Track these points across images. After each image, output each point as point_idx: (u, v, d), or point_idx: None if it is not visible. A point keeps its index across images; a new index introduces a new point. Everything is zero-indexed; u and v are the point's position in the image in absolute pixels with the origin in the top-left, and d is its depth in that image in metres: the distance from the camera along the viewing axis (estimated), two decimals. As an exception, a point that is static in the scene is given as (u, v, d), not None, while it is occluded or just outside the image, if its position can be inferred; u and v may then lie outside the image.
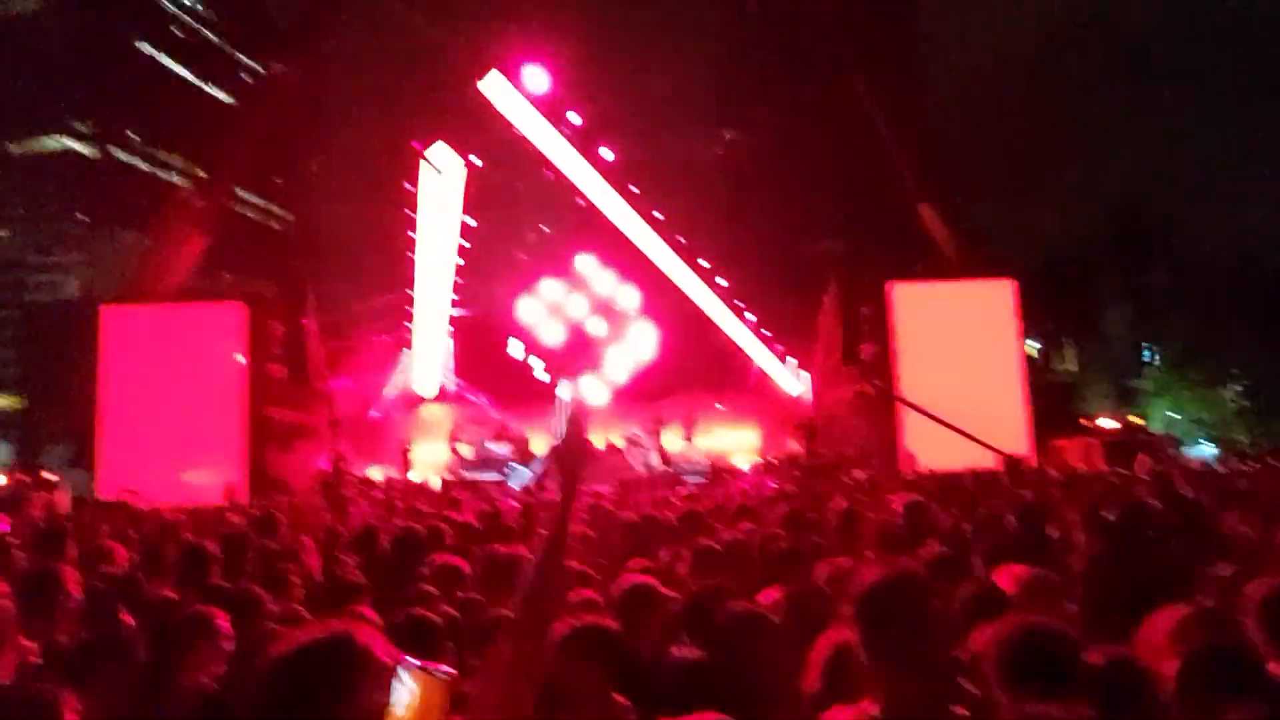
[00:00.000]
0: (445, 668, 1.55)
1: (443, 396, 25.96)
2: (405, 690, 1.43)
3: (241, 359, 20.94)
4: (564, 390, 23.88)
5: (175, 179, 47.78)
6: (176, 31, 61.77)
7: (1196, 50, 40.81)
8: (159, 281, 21.89)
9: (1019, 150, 39.58)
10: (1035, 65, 41.87)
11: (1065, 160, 40.04)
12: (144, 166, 60.14)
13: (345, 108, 26.35)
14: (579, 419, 1.94)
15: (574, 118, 22.07)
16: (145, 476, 17.22)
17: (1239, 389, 31.96)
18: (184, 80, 60.21)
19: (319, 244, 25.00)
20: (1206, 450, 29.83)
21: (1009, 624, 2.38)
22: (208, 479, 18.77)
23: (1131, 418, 28.27)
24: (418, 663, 1.51)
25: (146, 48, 60.28)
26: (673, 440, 23.52)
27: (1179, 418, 32.19)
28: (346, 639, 1.44)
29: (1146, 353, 34.11)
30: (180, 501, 13.39)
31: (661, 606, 3.24)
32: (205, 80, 56.91)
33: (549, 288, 24.37)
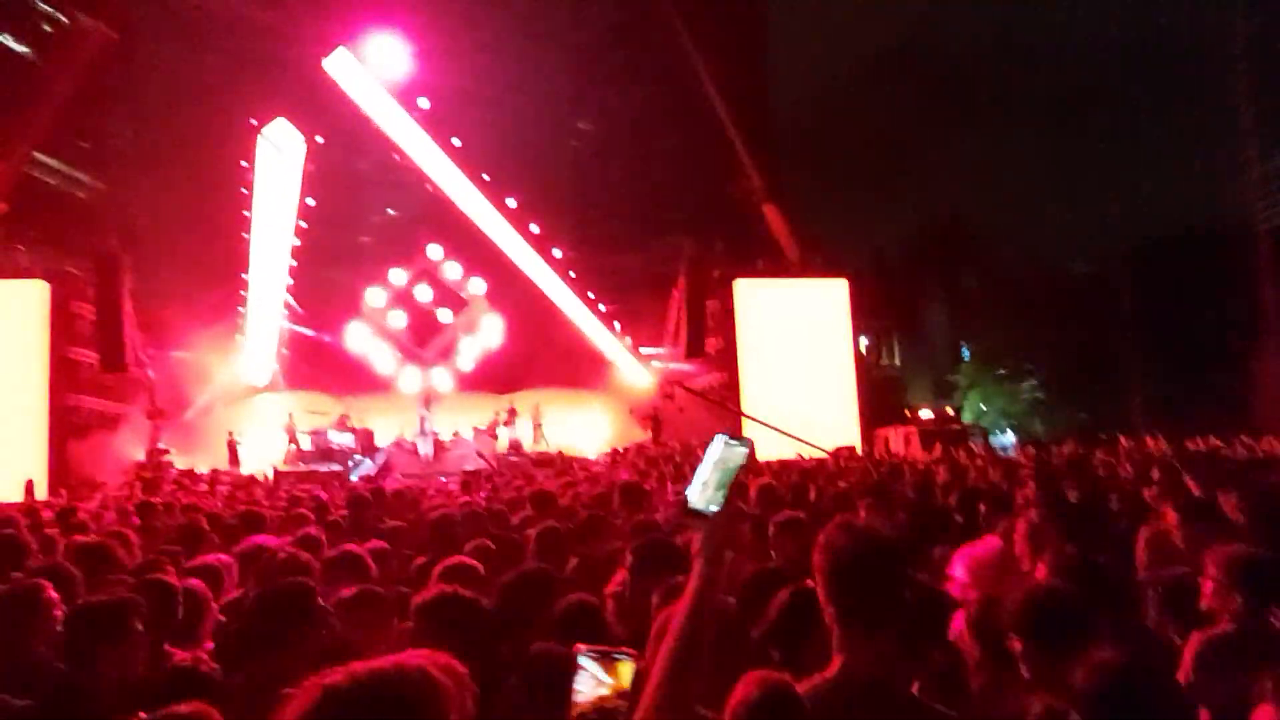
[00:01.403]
0: (625, 649, 1.53)
1: (274, 385, 24.56)
2: (588, 677, 1.44)
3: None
4: (409, 380, 23.20)
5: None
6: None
7: (1011, 76, 44.79)
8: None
9: (856, 158, 42.08)
10: (872, 79, 44.63)
11: (895, 169, 42.95)
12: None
13: (169, 71, 24.23)
14: (742, 480, 1.74)
15: (423, 103, 21.43)
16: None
17: (1035, 383, 35.56)
18: (-31, 26, 53.63)
19: (136, 219, 22.90)
20: (1009, 439, 32.97)
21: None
22: (3, 474, 16.96)
23: (948, 409, 30.76)
24: (596, 649, 1.50)
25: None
26: (523, 431, 23.39)
27: (986, 409, 35.48)
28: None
29: (965, 351, 37.21)
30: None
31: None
32: (-4, 28, 50.93)
33: (396, 275, 23.56)
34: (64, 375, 20.25)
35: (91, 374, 21.10)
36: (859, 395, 24.26)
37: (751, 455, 1.74)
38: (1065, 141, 43.61)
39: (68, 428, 20.14)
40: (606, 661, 1.47)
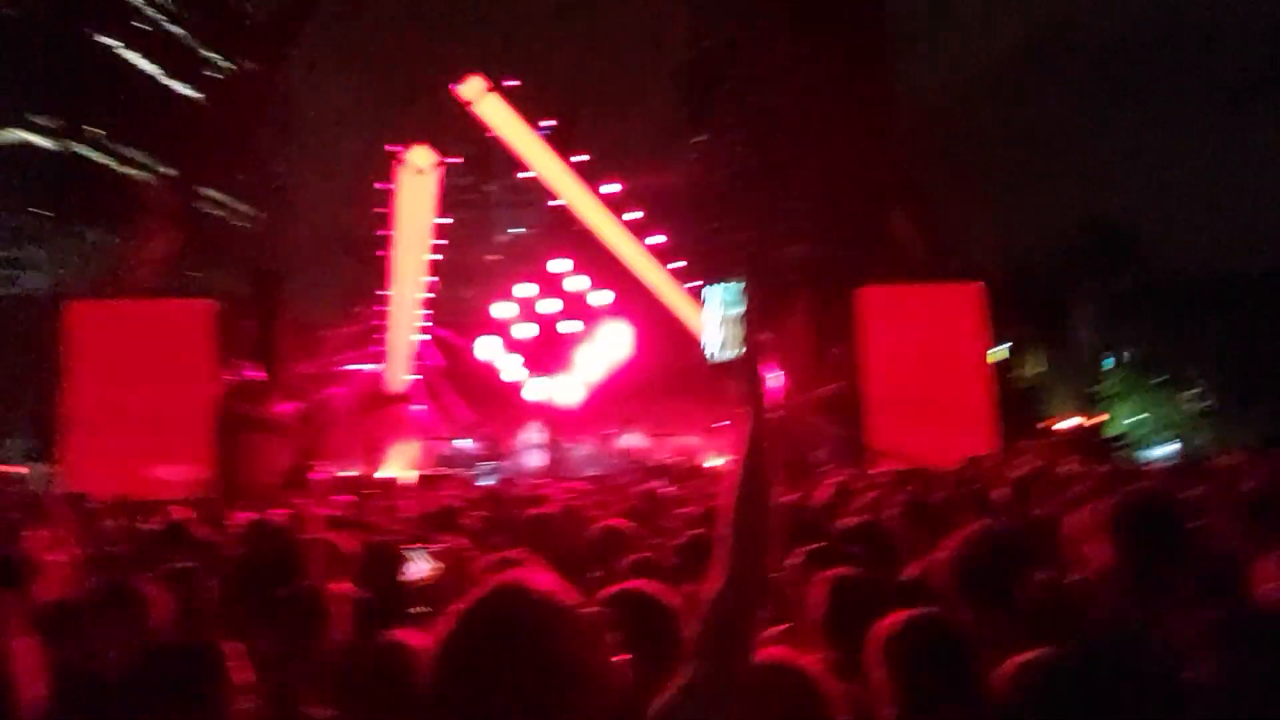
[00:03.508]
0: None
1: (412, 395, 25.92)
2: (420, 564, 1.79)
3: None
4: (535, 390, 23.98)
5: (140, 175, 47.13)
6: (141, 25, 60.94)
7: (1164, 61, 42.00)
8: (128, 278, 21.66)
9: (989, 156, 40.41)
10: (1006, 72, 42.78)
11: (1034, 167, 40.96)
12: (108, 162, 59.20)
13: (317, 106, 26.20)
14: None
15: (547, 123, 22.26)
16: (110, 473, 17.02)
17: (1199, 391, 32.90)
18: (149, 76, 59.40)
19: (290, 242, 24.85)
20: (1169, 450, 30.63)
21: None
22: (174, 476, 18.58)
23: (1092, 420, 28.93)
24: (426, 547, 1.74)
25: (109, 41, 59.39)
26: (640, 439, 23.73)
27: (1141, 420, 33.06)
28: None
29: (1110, 359, 34.92)
30: (148, 497, 13.26)
31: None
32: (171, 76, 56.18)
33: (523, 289, 24.47)
34: (230, 386, 22.08)
35: (254, 385, 22.90)
36: (994, 406, 23.16)
37: (748, 287, 1.70)
38: (1228, 131, 40.47)
39: (233, 433, 21.91)
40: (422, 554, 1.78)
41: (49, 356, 21.80)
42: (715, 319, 1.71)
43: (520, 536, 5.64)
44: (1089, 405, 32.79)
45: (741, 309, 1.67)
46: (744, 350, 1.65)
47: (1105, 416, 31.23)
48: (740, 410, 1.61)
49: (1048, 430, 25.34)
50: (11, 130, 60.62)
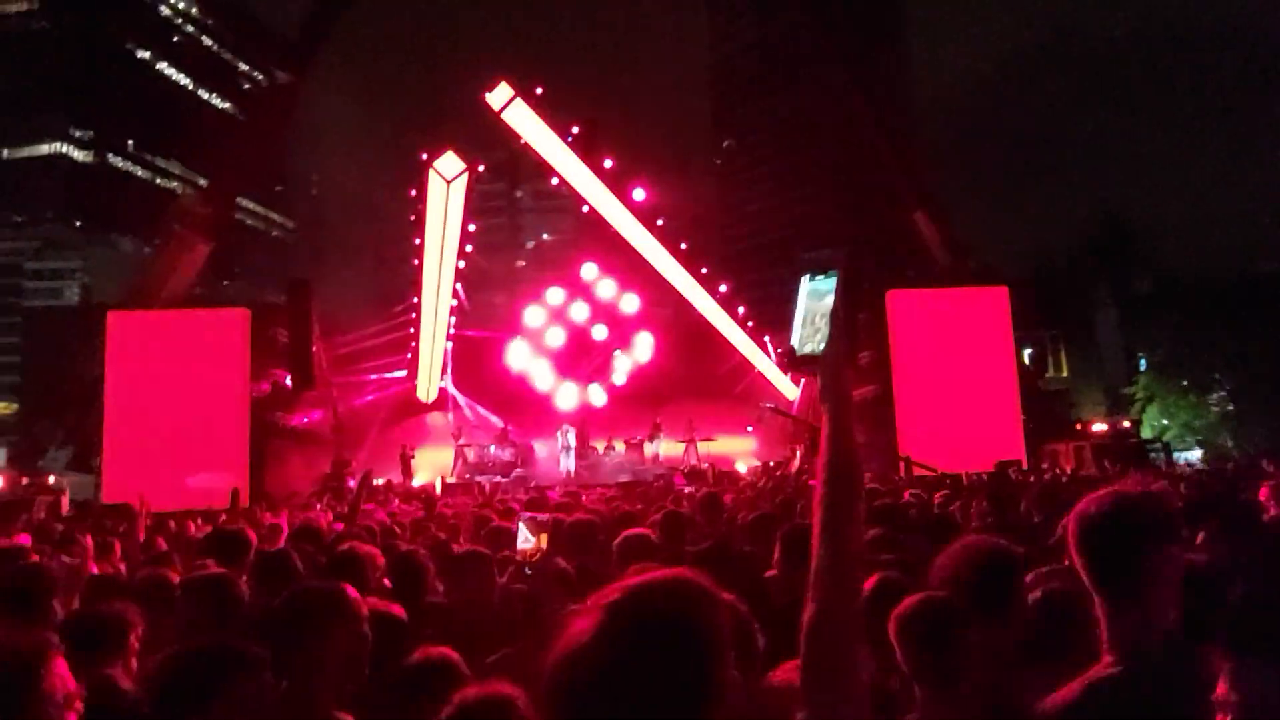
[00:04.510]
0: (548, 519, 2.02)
1: (442, 402, 26.19)
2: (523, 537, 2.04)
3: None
4: (566, 396, 24.13)
5: (174, 186, 47.85)
6: (175, 39, 61.93)
7: (1181, 62, 41.56)
8: (163, 288, 22.05)
9: (1010, 159, 40.22)
10: (1024, 74, 42.61)
11: (1055, 168, 40.71)
12: (141, 173, 60.15)
13: (347, 116, 26.53)
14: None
15: (575, 129, 22.39)
16: (150, 481, 17.35)
17: (1224, 394, 32.45)
18: (183, 87, 60.30)
19: (321, 250, 25.17)
20: (1194, 455, 30.29)
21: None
22: (211, 484, 18.89)
23: (1124, 423, 28.67)
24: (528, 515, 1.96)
25: (145, 54, 60.39)
26: (670, 446, 23.77)
27: (1168, 423, 32.69)
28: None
29: (1143, 361, 34.51)
30: (185, 506, 13.51)
31: None
32: (205, 88, 56.99)
33: (553, 294, 24.63)
34: (263, 394, 22.42)
35: (286, 392, 23.23)
36: (1022, 408, 23.06)
37: (840, 280, 1.64)
38: (1251, 129, 39.93)
39: (266, 441, 22.25)
40: (534, 526, 1.92)
41: (86, 366, 22.27)
42: (803, 313, 1.63)
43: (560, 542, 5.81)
44: (1119, 408, 32.50)
45: (831, 303, 1.60)
46: (829, 345, 1.58)
47: (1137, 419, 30.97)
48: (822, 406, 1.54)
49: (1078, 433, 25.14)
50: (47, 142, 61.81)
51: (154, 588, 3.70)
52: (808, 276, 1.66)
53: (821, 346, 1.57)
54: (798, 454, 23.08)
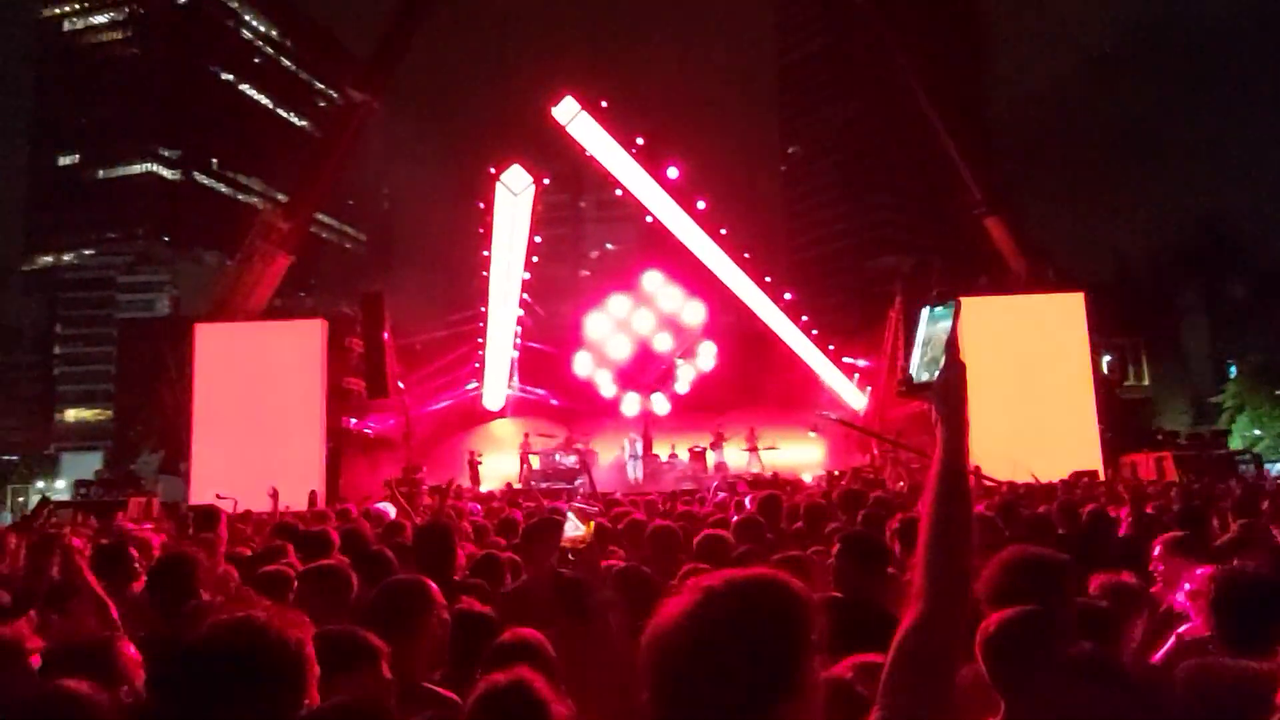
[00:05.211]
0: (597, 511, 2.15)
1: (509, 410, 26.66)
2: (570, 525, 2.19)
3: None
4: (630, 405, 24.30)
5: (254, 201, 49.83)
6: (257, 60, 64.58)
7: (1275, 51, 39.60)
8: (247, 300, 23.00)
9: (1088, 160, 38.96)
10: (1105, 75, 41.21)
11: (1136, 170, 39.26)
12: (224, 190, 62.83)
13: (417, 131, 27.28)
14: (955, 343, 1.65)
15: (639, 140, 22.58)
16: (233, 484, 18.08)
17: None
18: (264, 107, 62.86)
19: (392, 262, 25.94)
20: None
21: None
22: (291, 487, 19.58)
23: (1211, 432, 27.48)
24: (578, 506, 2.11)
25: (228, 76, 63.14)
26: (734, 454, 23.71)
27: (1260, 433, 31.14)
28: None
29: (1233, 368, 32.99)
30: (265, 509, 14.08)
31: None
32: (284, 107, 59.31)
33: (617, 303, 24.84)
34: (337, 401, 23.20)
35: (360, 400, 23.97)
36: (1100, 419, 22.29)
37: (957, 312, 1.68)
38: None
39: (341, 447, 23.00)
40: (582, 516, 2.07)
41: (176, 375, 23.37)
42: (920, 340, 1.70)
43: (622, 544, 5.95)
44: (1205, 416, 31.16)
45: (948, 330, 1.65)
46: (943, 373, 1.62)
47: (1226, 429, 29.64)
48: (936, 430, 1.61)
49: (1159, 443, 24.20)
50: (138, 162, 65.03)
51: (273, 580, 4.04)
52: (928, 308, 1.71)
53: (936, 374, 1.63)
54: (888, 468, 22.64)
